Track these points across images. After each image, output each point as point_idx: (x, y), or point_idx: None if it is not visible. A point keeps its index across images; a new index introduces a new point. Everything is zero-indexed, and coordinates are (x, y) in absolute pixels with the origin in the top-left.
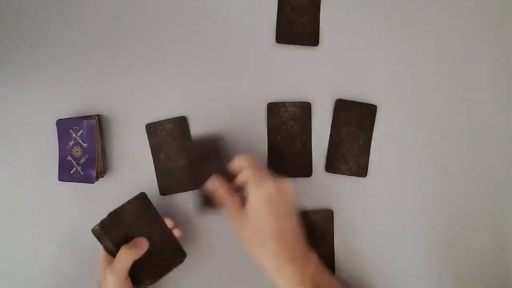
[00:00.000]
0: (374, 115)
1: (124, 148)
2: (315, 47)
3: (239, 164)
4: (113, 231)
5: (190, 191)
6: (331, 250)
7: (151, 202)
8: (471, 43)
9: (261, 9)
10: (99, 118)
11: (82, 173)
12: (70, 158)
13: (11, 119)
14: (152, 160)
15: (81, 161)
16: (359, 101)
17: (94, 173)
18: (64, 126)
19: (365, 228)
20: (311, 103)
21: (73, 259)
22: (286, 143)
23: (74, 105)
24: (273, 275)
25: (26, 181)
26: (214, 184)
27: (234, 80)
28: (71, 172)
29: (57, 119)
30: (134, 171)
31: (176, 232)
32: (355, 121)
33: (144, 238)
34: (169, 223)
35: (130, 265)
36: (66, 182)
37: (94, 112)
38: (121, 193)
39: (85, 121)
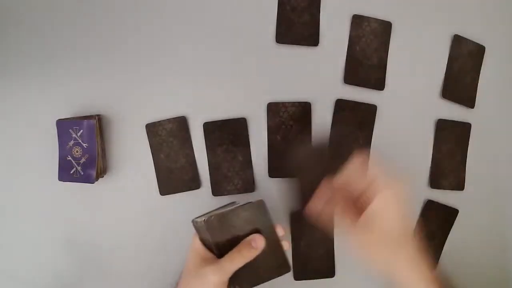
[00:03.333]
0: (374, 115)
1: (124, 148)
2: (315, 47)
3: (357, 165)
4: (217, 231)
5: (190, 191)
6: (331, 250)
7: (267, 209)
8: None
9: (261, 9)
10: (99, 118)
11: (82, 173)
12: (70, 158)
13: (11, 119)
14: (152, 160)
15: (81, 161)
16: (359, 101)
17: (94, 173)
18: (64, 126)
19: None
20: (311, 103)
21: (73, 259)
22: (286, 143)
23: (74, 105)
24: (407, 281)
25: (26, 181)
26: (326, 193)
27: (234, 80)
28: (71, 172)
29: (57, 119)
30: (134, 171)
31: (286, 244)
32: (355, 121)
33: (262, 237)
34: (280, 231)
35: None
36: (66, 182)
37: (94, 112)
38: (121, 193)
39: (85, 121)
